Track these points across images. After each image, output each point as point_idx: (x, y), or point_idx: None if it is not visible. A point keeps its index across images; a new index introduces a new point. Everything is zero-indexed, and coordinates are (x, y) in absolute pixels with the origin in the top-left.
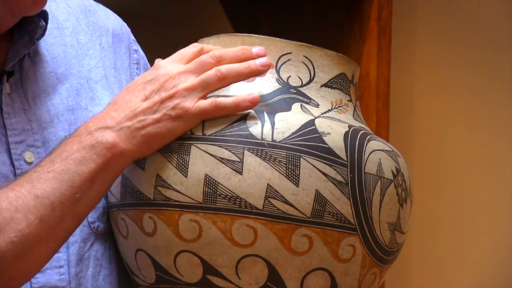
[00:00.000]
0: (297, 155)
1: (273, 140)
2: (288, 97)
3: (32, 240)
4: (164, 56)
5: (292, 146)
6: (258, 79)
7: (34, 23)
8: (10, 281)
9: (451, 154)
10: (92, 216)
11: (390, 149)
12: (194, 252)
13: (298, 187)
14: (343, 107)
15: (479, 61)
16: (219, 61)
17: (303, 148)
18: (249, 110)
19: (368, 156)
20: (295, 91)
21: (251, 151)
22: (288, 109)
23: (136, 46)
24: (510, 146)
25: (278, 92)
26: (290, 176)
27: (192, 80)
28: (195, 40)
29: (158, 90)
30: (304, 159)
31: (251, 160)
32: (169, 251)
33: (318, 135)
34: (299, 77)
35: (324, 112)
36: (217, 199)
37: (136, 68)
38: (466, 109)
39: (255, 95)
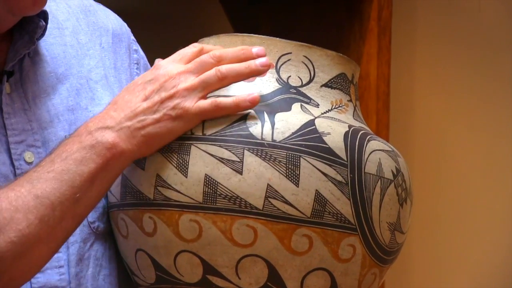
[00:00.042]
0: (297, 155)
1: (273, 140)
2: (288, 97)
3: (32, 240)
4: (164, 56)
5: (292, 146)
6: (258, 79)
7: (34, 23)
8: (10, 281)
9: (451, 154)
10: (92, 216)
11: (390, 149)
12: (194, 252)
13: (298, 187)
14: (343, 107)
15: (479, 61)
16: (219, 61)
17: (303, 148)
18: (249, 110)
19: (368, 156)
20: (295, 91)
21: (251, 151)
22: (288, 109)
23: (136, 46)
24: (510, 146)
25: (278, 92)
26: (290, 176)
27: (192, 80)
28: (195, 40)
29: (158, 90)
30: (304, 159)
31: (251, 160)
32: (169, 251)
33: (318, 135)
34: (299, 77)
35: (324, 112)
36: (217, 199)
37: (136, 68)
38: (466, 109)
39: (255, 95)
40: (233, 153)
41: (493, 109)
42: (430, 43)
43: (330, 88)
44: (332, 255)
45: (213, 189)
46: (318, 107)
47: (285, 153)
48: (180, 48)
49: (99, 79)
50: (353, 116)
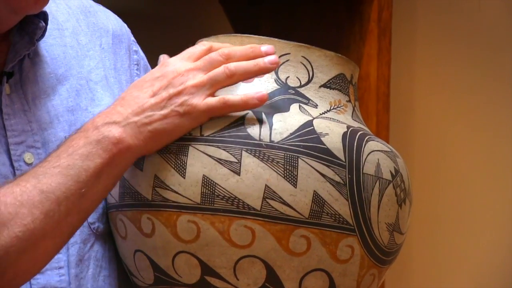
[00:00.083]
0: (295, 155)
1: (271, 141)
2: (287, 98)
3: (37, 235)
4: None
5: (290, 147)
6: (256, 79)
7: (34, 24)
8: (15, 276)
9: (451, 155)
10: (92, 217)
11: (388, 149)
12: (192, 253)
13: (296, 188)
14: (341, 107)
15: (479, 62)
16: (228, 58)
17: (301, 149)
18: (247, 111)
19: (367, 157)
20: (293, 91)
21: (249, 152)
22: (287, 109)
23: (136, 47)
24: (510, 146)
25: (276, 92)
26: (288, 177)
27: (200, 77)
28: (195, 41)
29: (166, 87)
30: (302, 159)
31: (249, 161)
32: (167, 252)
33: (316, 135)
34: (298, 78)
35: (323, 113)
36: (215, 200)
37: (136, 69)
38: (466, 110)
39: (263, 93)
40: (231, 154)
41: (493, 110)
42: (430, 44)
43: (328, 89)
44: (331, 256)
45: (211, 190)
46: (316, 108)
47: (283, 154)
48: (180, 49)
49: (99, 80)
50: (352, 117)
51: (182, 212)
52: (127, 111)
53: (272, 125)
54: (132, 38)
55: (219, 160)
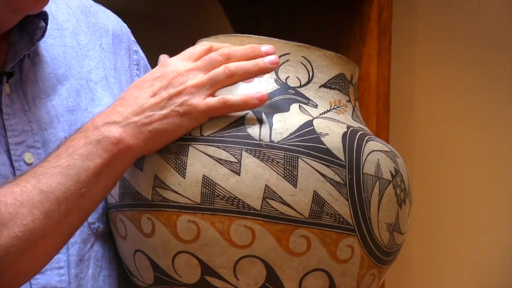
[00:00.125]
0: (295, 155)
1: (271, 141)
2: (287, 98)
3: (37, 235)
4: None
5: (290, 147)
6: (256, 79)
7: (34, 24)
8: (15, 276)
9: (452, 155)
10: (92, 217)
11: (388, 149)
12: (192, 253)
13: (296, 188)
14: (341, 107)
15: (479, 62)
16: (228, 59)
17: (301, 149)
18: (247, 111)
19: (367, 157)
20: (293, 91)
21: (249, 151)
22: (287, 109)
23: (136, 47)
24: (510, 146)
25: (276, 92)
26: (288, 177)
27: (200, 77)
28: (195, 41)
29: (166, 87)
30: (302, 159)
31: (249, 161)
32: (167, 252)
33: (316, 135)
34: (298, 78)
35: (323, 113)
36: (215, 200)
37: (136, 69)
38: (467, 110)
39: (263, 93)
40: (231, 154)
41: (493, 110)
42: (430, 44)
43: (328, 89)
44: (331, 256)
45: (211, 190)
46: (316, 108)
47: (283, 154)
48: (180, 49)
49: (99, 80)
50: (352, 117)
51: (182, 212)
52: (127, 111)
53: (272, 125)
54: (132, 38)
55: (219, 160)
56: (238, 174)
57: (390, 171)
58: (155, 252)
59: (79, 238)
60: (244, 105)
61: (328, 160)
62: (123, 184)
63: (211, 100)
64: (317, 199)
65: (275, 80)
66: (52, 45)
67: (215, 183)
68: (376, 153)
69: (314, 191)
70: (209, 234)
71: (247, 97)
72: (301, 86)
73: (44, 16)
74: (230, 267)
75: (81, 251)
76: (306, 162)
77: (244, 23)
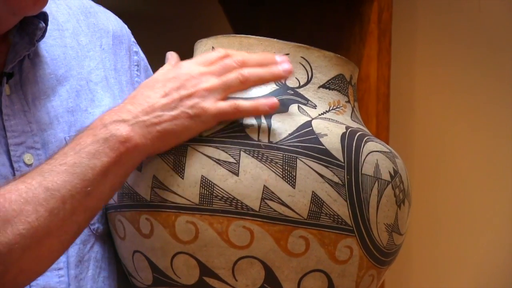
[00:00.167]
0: (294, 156)
1: (269, 142)
2: (286, 98)
3: (42, 233)
4: (164, 56)
5: (288, 148)
6: None
7: (34, 25)
8: (20, 273)
9: (452, 156)
10: None
11: (387, 150)
12: (191, 254)
13: (294, 188)
14: (341, 108)
15: (479, 63)
16: (242, 65)
17: (300, 150)
18: None
19: (365, 158)
20: (292, 92)
21: (247, 152)
22: (285, 110)
23: (137, 48)
24: (510, 146)
25: (275, 93)
26: (286, 177)
27: (213, 81)
28: (195, 41)
29: (178, 88)
30: (301, 160)
31: (247, 162)
32: (165, 253)
33: (315, 136)
34: (297, 78)
35: (322, 113)
36: (214, 201)
37: (137, 70)
38: (466, 110)
39: (274, 101)
40: (229, 154)
41: (493, 111)
42: (430, 45)
43: (328, 89)
44: (329, 257)
45: (210, 191)
46: (315, 108)
47: (281, 155)
48: (180, 49)
49: (99, 81)
50: (351, 117)
51: (180, 212)
52: (137, 109)
53: (270, 125)
54: (133, 39)
55: (218, 161)
56: (237, 174)
57: (389, 172)
58: (153, 252)
59: (78, 239)
60: (255, 111)
61: (327, 161)
62: (122, 185)
63: (222, 104)
64: (315, 199)
65: None
66: (52, 45)
67: (214, 183)
68: (375, 154)
69: (313, 191)
70: (207, 235)
71: (258, 103)
72: (300, 86)
73: (44, 17)
74: (229, 267)
75: (80, 252)
76: (304, 163)
77: (244, 23)
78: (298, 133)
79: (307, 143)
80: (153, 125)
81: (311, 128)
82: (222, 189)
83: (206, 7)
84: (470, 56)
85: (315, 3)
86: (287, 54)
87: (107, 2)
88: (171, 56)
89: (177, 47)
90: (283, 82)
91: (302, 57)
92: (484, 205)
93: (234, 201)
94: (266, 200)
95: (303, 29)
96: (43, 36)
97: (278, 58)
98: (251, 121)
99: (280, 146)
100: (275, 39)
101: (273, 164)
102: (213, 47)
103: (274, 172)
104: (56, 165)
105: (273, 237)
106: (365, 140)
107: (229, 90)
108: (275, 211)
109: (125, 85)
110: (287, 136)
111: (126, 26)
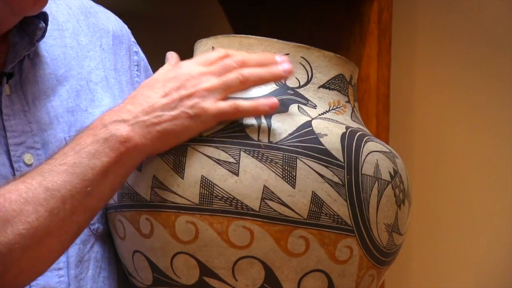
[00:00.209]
0: (294, 156)
1: (269, 142)
2: (286, 98)
3: (42, 233)
4: (164, 57)
5: (288, 148)
6: None
7: (34, 25)
8: (20, 273)
9: (452, 156)
10: None
11: (387, 150)
12: (191, 254)
13: (294, 188)
14: (341, 108)
15: (479, 63)
16: (242, 65)
17: (300, 150)
18: None
19: (365, 158)
20: (292, 92)
21: (247, 152)
22: (285, 110)
23: (137, 48)
24: (510, 146)
25: (275, 93)
26: (286, 177)
27: (213, 81)
28: (195, 41)
29: (178, 88)
30: (301, 160)
31: (247, 162)
32: (165, 253)
33: (315, 136)
34: (297, 78)
35: (322, 113)
36: (214, 201)
37: (137, 70)
38: (467, 111)
39: (274, 101)
40: (229, 154)
41: (493, 112)
42: (430, 45)
43: (327, 89)
44: (329, 257)
45: (210, 191)
46: (315, 108)
47: (281, 155)
48: (180, 49)
49: (99, 81)
50: (351, 117)
51: (180, 212)
52: (136, 109)
53: (270, 125)
54: (133, 39)
55: (218, 161)
56: (237, 174)
57: (389, 172)
58: (153, 252)
59: (78, 239)
60: (255, 111)
61: (327, 161)
62: (122, 185)
63: (222, 104)
64: (315, 199)
65: None
66: (52, 45)
67: (214, 183)
68: (375, 154)
69: (313, 191)
70: (207, 235)
71: (258, 103)
72: (300, 86)
73: (44, 17)
74: (229, 267)
75: (80, 252)
76: (304, 163)
77: (244, 23)
78: (298, 133)
79: (307, 143)
80: (153, 125)
81: (311, 128)
82: (222, 189)
83: (206, 7)
84: (470, 56)
85: (315, 3)
86: (287, 54)
87: (107, 2)
88: (171, 56)
89: (177, 47)
90: (283, 82)
91: (302, 57)
92: (484, 205)
93: (234, 201)
94: (266, 200)
95: (303, 29)
96: (43, 36)
97: (278, 58)
98: (251, 121)
99: (280, 146)
100: (275, 39)
101: (273, 164)
102: (213, 47)
103: (274, 172)
104: (56, 165)
105: (273, 237)
106: (365, 140)
107: (229, 90)
108: (275, 211)
109: (125, 85)
110: (287, 136)
111: (126, 26)
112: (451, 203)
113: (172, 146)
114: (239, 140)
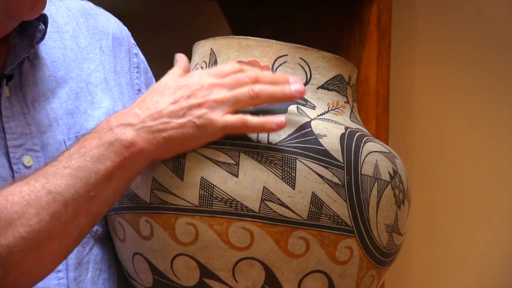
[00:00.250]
0: (293, 157)
1: (269, 143)
2: None
3: (43, 236)
4: (164, 58)
5: (288, 149)
6: None
7: (33, 27)
8: (20, 276)
9: (451, 157)
10: None
11: (387, 150)
12: (191, 256)
13: (294, 189)
14: (340, 108)
15: (479, 65)
16: (255, 81)
17: (299, 150)
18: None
19: (365, 158)
20: None
21: (247, 153)
22: (284, 111)
23: (136, 50)
24: (510, 146)
25: None
26: (286, 178)
27: (223, 94)
28: (194, 42)
29: (188, 97)
30: (300, 161)
31: (247, 163)
32: (165, 255)
33: (314, 137)
34: None
35: (321, 114)
36: (213, 202)
37: (136, 72)
38: (466, 112)
39: (282, 120)
40: (229, 156)
41: (493, 113)
42: (430, 47)
43: (326, 90)
44: (329, 258)
45: (209, 192)
46: (314, 109)
47: (281, 156)
48: (180, 50)
49: (98, 83)
50: (350, 118)
51: (180, 214)
52: (144, 114)
53: None
54: (132, 41)
55: (217, 162)
56: (236, 176)
57: (389, 172)
58: (153, 254)
59: None
60: (262, 128)
61: (326, 162)
62: (125, 190)
63: (230, 118)
64: (315, 200)
65: None
66: (52, 47)
67: (213, 185)
68: (374, 154)
69: (312, 192)
70: (207, 237)
71: (266, 121)
72: None
73: (43, 19)
74: (229, 269)
75: (80, 254)
76: (304, 164)
77: (243, 24)
78: (297, 134)
79: (307, 144)
80: (159, 131)
81: (310, 129)
82: (221, 190)
83: (205, 9)
84: (469, 58)
85: (314, 4)
86: (286, 55)
87: (107, 4)
88: (180, 58)
89: (177, 49)
90: None
91: (300, 58)
92: (484, 205)
93: (234, 203)
94: (266, 201)
95: (302, 31)
96: (42, 38)
97: (291, 78)
98: None
99: (280, 147)
100: (273, 40)
101: (273, 165)
102: (211, 49)
103: (274, 173)
104: (61, 168)
105: (273, 238)
106: (365, 141)
107: (239, 104)
108: (275, 212)
109: (125, 87)
110: (286, 137)
111: (126, 28)
112: (451, 203)
113: (176, 153)
114: (238, 142)
